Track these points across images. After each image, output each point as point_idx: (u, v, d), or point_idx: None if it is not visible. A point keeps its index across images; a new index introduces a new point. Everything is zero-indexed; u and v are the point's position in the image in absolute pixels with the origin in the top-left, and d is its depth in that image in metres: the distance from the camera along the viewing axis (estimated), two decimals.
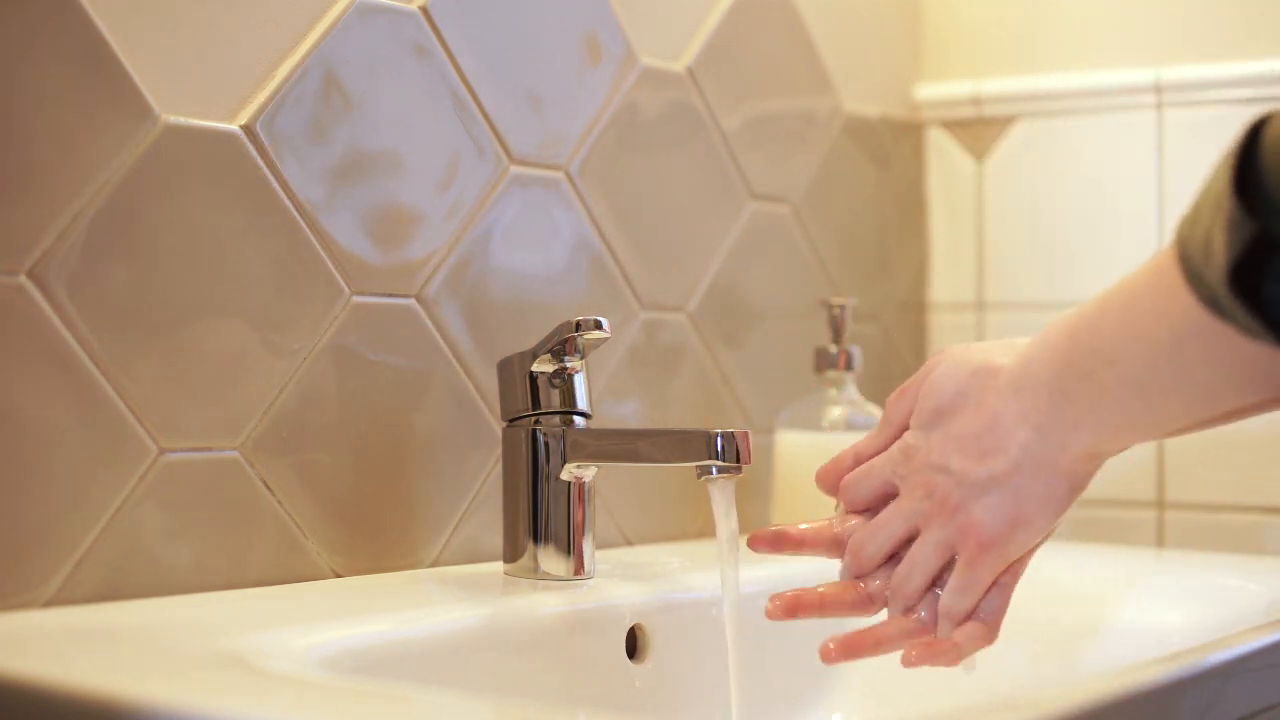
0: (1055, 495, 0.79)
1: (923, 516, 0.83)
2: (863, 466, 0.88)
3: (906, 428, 0.86)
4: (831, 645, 0.84)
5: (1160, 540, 1.38)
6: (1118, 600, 1.09)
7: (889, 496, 0.86)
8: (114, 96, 0.87)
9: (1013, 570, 0.84)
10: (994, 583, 0.83)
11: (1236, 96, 1.36)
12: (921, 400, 0.84)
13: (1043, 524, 0.80)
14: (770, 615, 0.85)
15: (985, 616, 0.83)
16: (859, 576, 0.86)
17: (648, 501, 1.21)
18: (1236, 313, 0.66)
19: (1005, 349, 0.82)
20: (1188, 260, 0.69)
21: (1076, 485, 0.80)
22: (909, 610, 0.84)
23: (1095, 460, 0.79)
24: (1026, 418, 0.79)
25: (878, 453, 0.88)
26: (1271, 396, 0.71)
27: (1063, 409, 0.77)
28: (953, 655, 0.83)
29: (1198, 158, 1.38)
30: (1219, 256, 0.66)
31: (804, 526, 0.88)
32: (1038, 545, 0.83)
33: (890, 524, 0.85)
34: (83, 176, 0.86)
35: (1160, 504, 1.38)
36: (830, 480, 0.90)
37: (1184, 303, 0.69)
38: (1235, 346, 0.68)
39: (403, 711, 0.67)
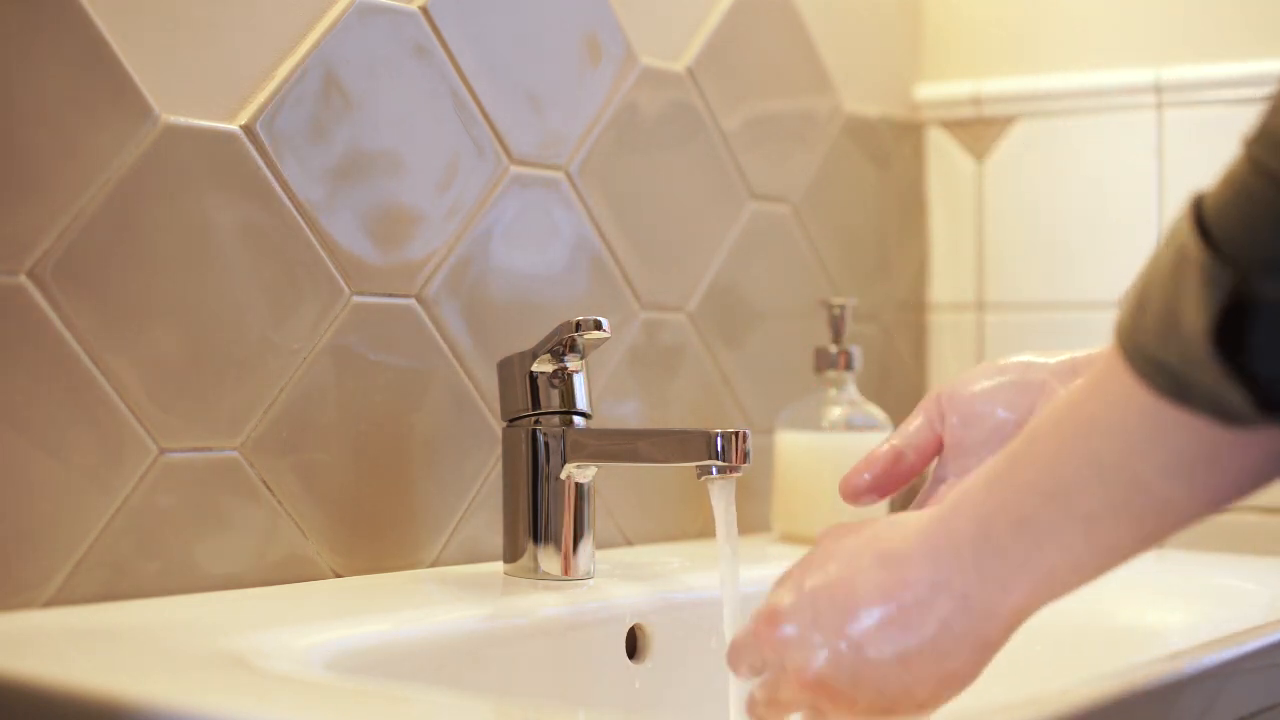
0: (973, 665, 0.70)
1: (812, 707, 0.73)
2: (734, 641, 0.77)
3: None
4: None
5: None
6: (1118, 600, 1.09)
7: None
8: (114, 96, 0.87)
9: None
10: None
11: (1236, 96, 1.36)
12: (804, 577, 0.74)
13: (950, 697, 0.71)
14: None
15: None
16: None
17: (648, 501, 1.21)
18: (1218, 386, 0.58)
19: (888, 524, 0.73)
20: (1137, 350, 0.61)
21: (992, 652, 0.70)
22: None
23: (1018, 622, 0.69)
24: (946, 586, 0.68)
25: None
26: (1221, 497, 0.63)
27: (988, 569, 0.67)
28: None
29: (1198, 158, 1.38)
30: (1194, 321, 0.57)
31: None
32: None
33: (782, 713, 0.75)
34: (83, 176, 0.86)
35: None
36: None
37: (1135, 401, 0.61)
38: (1195, 440, 0.60)
39: (403, 711, 0.67)
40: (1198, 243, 0.58)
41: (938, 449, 0.84)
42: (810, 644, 0.72)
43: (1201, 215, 0.58)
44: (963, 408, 0.82)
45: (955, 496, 0.69)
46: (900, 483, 0.83)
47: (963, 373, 0.83)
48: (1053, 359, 0.81)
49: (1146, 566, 1.21)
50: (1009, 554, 0.67)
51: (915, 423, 0.83)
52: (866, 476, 0.83)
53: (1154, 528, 0.64)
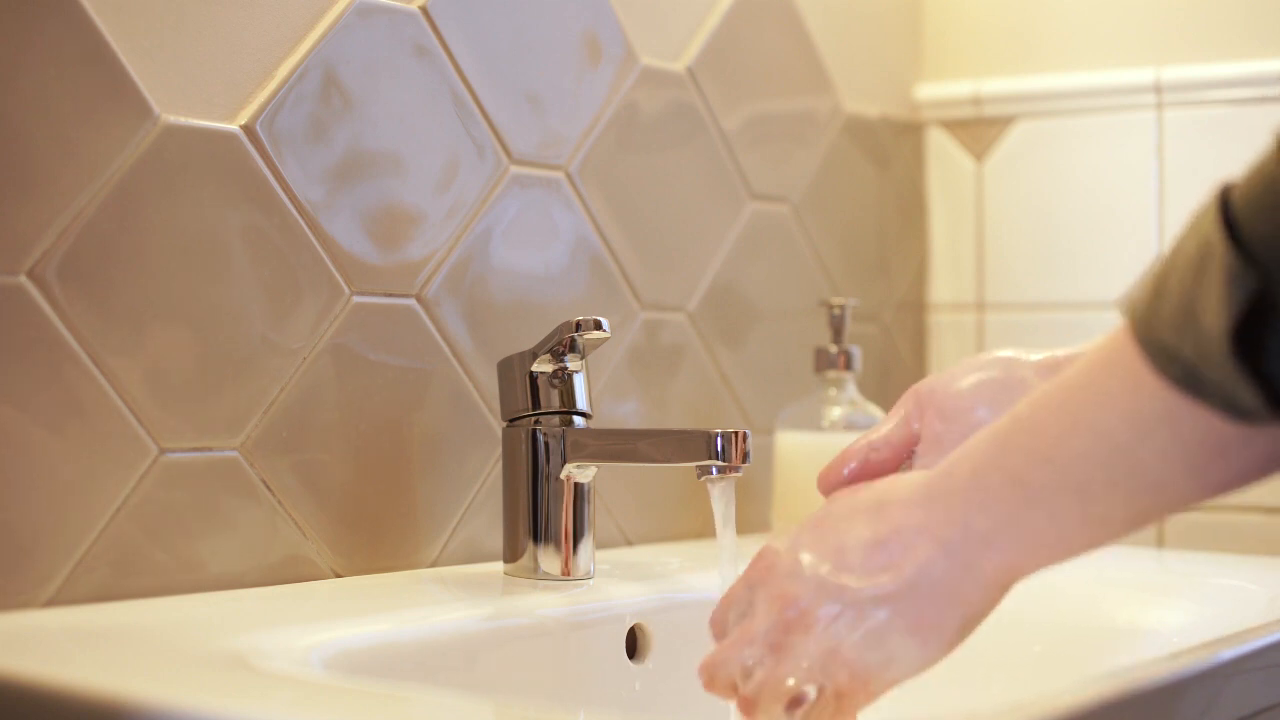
0: (947, 627, 0.69)
1: (782, 634, 0.73)
2: (725, 593, 0.77)
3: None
4: None
5: (1160, 540, 1.38)
6: (1118, 600, 1.09)
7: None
8: (114, 96, 0.87)
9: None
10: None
11: (1236, 96, 1.36)
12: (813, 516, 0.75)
13: (923, 659, 0.70)
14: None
15: None
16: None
17: (648, 501, 1.21)
18: (1232, 384, 0.58)
19: (894, 480, 0.74)
20: (1152, 338, 0.61)
21: (970, 619, 0.70)
22: None
23: (998, 591, 0.69)
24: (931, 531, 0.69)
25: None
26: (1222, 485, 0.64)
27: (975, 521, 0.67)
28: None
29: (1198, 158, 1.38)
30: (1214, 320, 0.58)
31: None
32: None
33: (747, 647, 0.74)
34: (83, 176, 0.86)
35: None
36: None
37: (1146, 386, 0.61)
38: (1203, 430, 0.61)
39: (403, 711, 0.67)
40: (1223, 239, 0.58)
41: (913, 445, 0.83)
42: (797, 573, 0.72)
43: (1229, 208, 0.58)
44: (942, 405, 0.81)
45: (958, 452, 0.70)
46: (872, 478, 0.80)
47: (944, 369, 0.82)
48: (1035, 356, 0.81)
49: (1146, 566, 1.21)
50: (996, 510, 0.67)
51: (893, 420, 0.82)
52: (845, 472, 0.81)
53: (1147, 508, 0.65)
